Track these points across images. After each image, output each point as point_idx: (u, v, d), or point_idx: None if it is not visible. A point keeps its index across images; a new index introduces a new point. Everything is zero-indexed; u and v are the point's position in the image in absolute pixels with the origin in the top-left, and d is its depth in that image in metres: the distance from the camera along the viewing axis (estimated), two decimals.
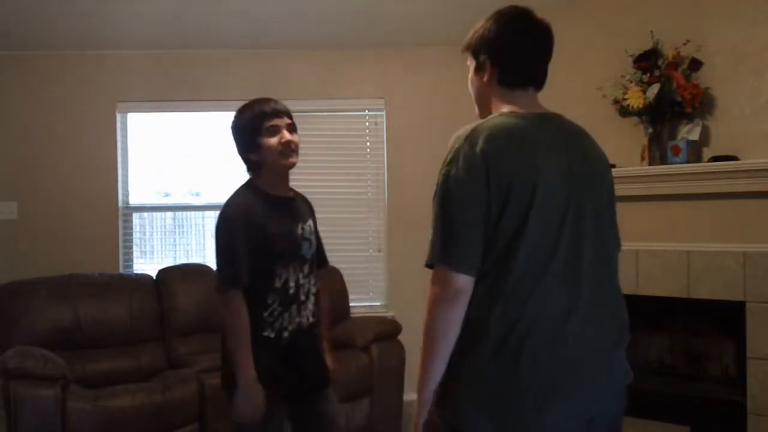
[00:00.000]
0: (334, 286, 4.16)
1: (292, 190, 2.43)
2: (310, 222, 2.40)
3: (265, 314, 2.22)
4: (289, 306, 2.26)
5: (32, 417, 3.20)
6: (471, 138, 1.55)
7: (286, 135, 2.27)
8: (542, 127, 1.62)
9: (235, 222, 2.23)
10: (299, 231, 2.32)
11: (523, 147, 1.56)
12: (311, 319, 2.33)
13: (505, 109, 1.65)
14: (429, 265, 1.58)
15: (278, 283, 2.24)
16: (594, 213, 1.61)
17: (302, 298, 2.30)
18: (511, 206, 1.52)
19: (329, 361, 2.49)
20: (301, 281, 2.30)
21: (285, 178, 2.36)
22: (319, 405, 2.41)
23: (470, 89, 1.77)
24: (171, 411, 3.49)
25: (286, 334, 2.25)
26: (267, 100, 2.34)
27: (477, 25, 1.74)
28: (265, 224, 2.22)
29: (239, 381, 2.17)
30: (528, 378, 1.51)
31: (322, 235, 2.55)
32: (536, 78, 1.69)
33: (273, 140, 2.26)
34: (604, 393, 1.65)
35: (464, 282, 1.53)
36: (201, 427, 3.59)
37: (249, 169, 2.37)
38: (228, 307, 2.19)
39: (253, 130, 2.27)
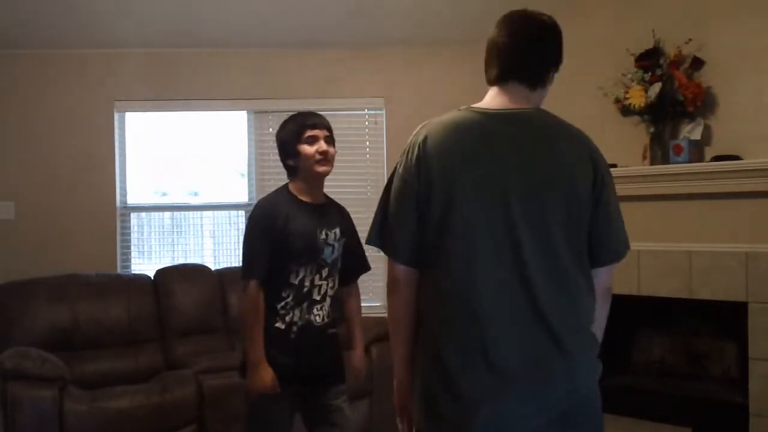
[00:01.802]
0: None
1: (327, 198, 2.61)
2: (337, 230, 2.55)
3: (278, 306, 2.42)
4: (301, 302, 2.44)
5: (30, 418, 3.18)
6: (419, 133, 1.66)
7: (323, 145, 2.48)
8: (500, 123, 1.60)
9: (258, 220, 2.46)
10: (322, 236, 2.48)
11: (456, 146, 1.59)
12: (326, 320, 2.50)
13: (483, 101, 1.69)
14: (368, 242, 1.74)
15: (294, 280, 2.43)
16: (550, 221, 1.55)
17: (316, 297, 2.47)
18: (433, 204, 1.58)
19: (358, 360, 2.72)
20: (317, 282, 2.47)
21: (318, 185, 2.55)
22: (328, 399, 2.53)
23: None
24: (169, 412, 3.47)
25: (295, 328, 2.42)
26: (311, 114, 2.55)
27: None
28: (285, 223, 2.42)
29: (250, 364, 2.38)
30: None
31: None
32: (518, 73, 1.66)
33: (311, 149, 2.46)
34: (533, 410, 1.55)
35: (400, 271, 1.65)
36: (199, 427, 3.57)
37: (288, 174, 2.57)
38: (243, 295, 2.43)
39: (294, 138, 2.48)
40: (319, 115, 2.56)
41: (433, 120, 1.66)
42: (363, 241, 1.82)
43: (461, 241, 1.55)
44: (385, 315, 5.18)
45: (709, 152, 3.74)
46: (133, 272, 4.62)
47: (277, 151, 2.57)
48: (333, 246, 2.51)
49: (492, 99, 1.68)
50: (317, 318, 2.47)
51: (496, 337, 1.52)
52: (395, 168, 1.67)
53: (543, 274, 1.53)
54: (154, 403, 3.44)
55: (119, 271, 4.57)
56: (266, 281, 2.42)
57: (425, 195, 1.59)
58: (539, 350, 1.53)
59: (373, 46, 4.75)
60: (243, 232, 2.53)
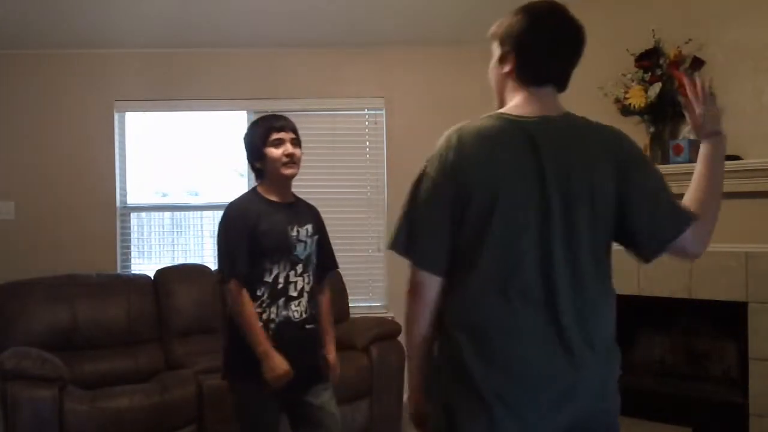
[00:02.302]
0: (334, 287, 4.14)
1: (295, 197, 2.65)
2: (308, 226, 2.58)
3: (255, 304, 2.45)
4: (277, 299, 2.47)
5: (29, 418, 3.18)
6: (450, 139, 1.58)
7: (290, 148, 2.52)
8: (532, 133, 1.56)
9: (232, 219, 2.50)
10: (293, 232, 2.52)
11: (496, 155, 1.53)
12: (303, 316, 2.52)
13: (511, 103, 1.63)
14: (390, 248, 1.64)
15: (268, 278, 2.47)
16: (586, 225, 1.54)
17: (292, 293, 2.50)
18: (471, 216, 1.53)
19: (331, 359, 2.68)
20: (292, 279, 2.51)
21: (285, 186, 2.59)
22: (311, 398, 2.55)
23: (489, 77, 1.73)
24: (169, 412, 3.47)
25: (273, 325, 2.46)
26: (277, 117, 2.61)
27: (508, 14, 1.68)
28: (256, 223, 2.46)
29: (260, 356, 2.39)
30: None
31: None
32: (556, 77, 1.63)
33: (277, 151, 2.51)
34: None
35: (424, 278, 1.60)
36: (199, 428, 3.57)
37: (255, 177, 2.63)
38: (231, 295, 2.46)
39: (261, 141, 2.52)
40: (285, 118, 2.60)
41: (468, 126, 1.59)
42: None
43: (501, 251, 1.52)
44: (385, 315, 5.17)
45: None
46: (133, 272, 4.62)
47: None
48: (305, 242, 2.55)
49: (525, 104, 1.61)
50: (295, 314, 2.50)
51: (526, 349, 1.51)
52: (423, 172, 1.60)
53: (569, 287, 1.53)
54: (154, 403, 3.44)
55: (119, 271, 4.57)
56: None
57: (462, 202, 1.54)
58: (562, 364, 1.52)
59: (373, 46, 4.75)
60: (216, 235, 2.57)
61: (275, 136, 2.51)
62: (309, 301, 2.54)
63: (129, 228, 4.71)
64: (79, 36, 4.40)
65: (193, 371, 3.75)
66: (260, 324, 2.43)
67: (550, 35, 1.60)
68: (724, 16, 3.72)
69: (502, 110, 1.63)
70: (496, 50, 1.68)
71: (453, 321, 1.58)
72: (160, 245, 4.83)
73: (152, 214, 4.81)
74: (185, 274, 4.27)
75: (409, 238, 1.60)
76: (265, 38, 4.59)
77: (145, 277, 4.25)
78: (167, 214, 4.83)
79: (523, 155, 1.54)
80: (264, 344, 2.40)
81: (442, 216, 1.56)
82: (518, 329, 1.51)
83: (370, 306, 4.78)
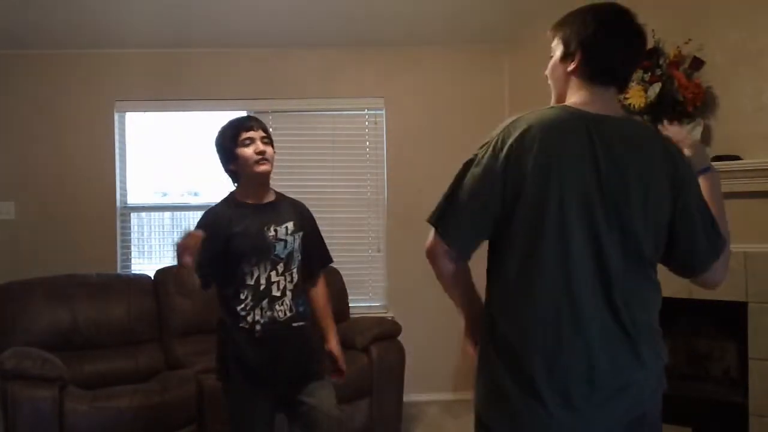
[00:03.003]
0: (334, 287, 4.15)
1: (277, 195, 2.66)
2: (288, 224, 2.57)
3: (239, 308, 2.47)
4: (261, 301, 2.48)
5: (30, 418, 3.18)
6: (509, 128, 1.58)
7: (260, 146, 2.52)
8: (593, 128, 1.57)
9: (201, 227, 2.45)
10: (270, 232, 2.52)
11: (556, 146, 1.54)
12: (288, 314, 2.52)
13: (574, 99, 1.65)
14: (429, 220, 1.64)
15: (250, 280, 2.47)
16: (637, 229, 1.57)
17: (276, 293, 2.50)
18: (522, 203, 1.53)
19: (334, 350, 2.70)
20: (274, 278, 2.51)
21: (262, 185, 2.59)
22: (305, 396, 2.54)
23: (549, 72, 1.74)
24: (169, 412, 3.48)
25: (258, 326, 2.46)
26: (246, 117, 2.66)
27: (573, 11, 1.70)
28: (230, 227, 2.48)
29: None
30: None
31: (323, 235, 2.78)
32: (621, 79, 1.67)
33: (248, 150, 2.52)
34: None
35: (438, 247, 1.62)
36: (199, 428, 3.57)
37: (232, 181, 2.63)
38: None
39: (232, 142, 2.53)
40: (254, 118, 2.63)
41: (528, 116, 1.59)
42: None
43: (555, 245, 1.53)
44: (385, 315, 5.16)
45: (709, 152, 3.73)
46: (133, 272, 4.62)
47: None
48: (285, 240, 2.54)
49: (589, 102, 1.63)
50: (280, 313, 2.49)
51: (588, 341, 1.53)
52: (475, 156, 1.60)
53: (622, 281, 1.56)
54: (154, 403, 3.44)
55: (119, 271, 4.58)
56: (224, 286, 2.51)
57: (514, 191, 1.54)
58: (622, 359, 1.57)
59: (373, 46, 4.75)
60: None
61: (245, 135, 2.51)
62: (294, 299, 2.53)
63: (129, 228, 4.71)
64: (79, 36, 4.40)
65: (193, 371, 3.76)
66: (245, 325, 2.46)
67: (620, 38, 1.64)
68: (724, 17, 3.72)
69: (565, 103, 1.65)
70: (559, 47, 1.70)
71: (508, 314, 1.59)
72: (160, 245, 4.83)
73: (152, 214, 4.82)
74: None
75: (444, 217, 1.61)
76: (265, 38, 4.59)
77: (145, 277, 4.26)
78: (167, 214, 4.83)
79: (582, 146, 1.56)
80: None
81: (484, 202, 1.57)
82: (582, 319, 1.53)
83: (370, 306, 4.78)
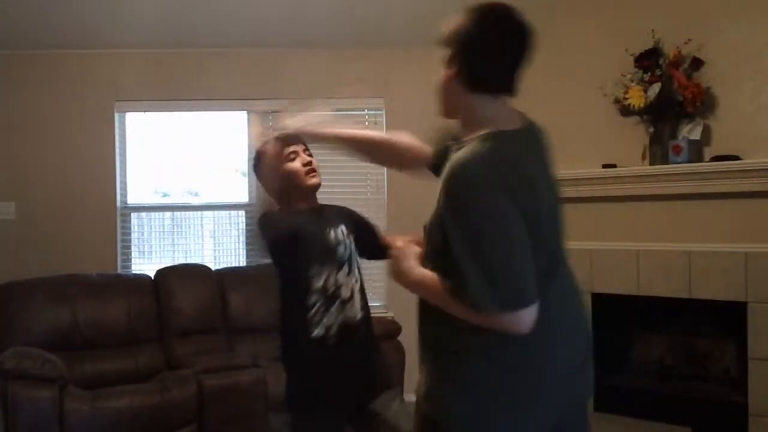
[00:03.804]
0: None
1: (320, 204, 2.64)
2: (342, 227, 2.55)
3: (309, 315, 2.37)
4: (331, 304, 2.40)
5: (30, 418, 3.18)
6: (495, 165, 1.48)
7: (306, 157, 2.52)
8: (527, 143, 1.59)
9: (271, 227, 2.42)
10: (331, 234, 2.48)
11: (524, 172, 1.52)
12: (358, 317, 2.47)
13: (486, 120, 1.57)
14: (481, 310, 1.48)
15: (318, 284, 2.39)
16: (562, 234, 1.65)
17: (345, 296, 2.45)
18: (535, 234, 1.52)
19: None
20: (341, 281, 2.45)
21: (312, 197, 2.57)
22: (374, 408, 2.45)
23: (438, 85, 1.67)
24: (169, 412, 3.47)
25: (333, 330, 2.38)
26: (283, 136, 2.59)
27: (456, 17, 1.64)
28: (291, 226, 2.40)
29: None
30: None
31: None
32: (515, 85, 1.58)
33: (295, 164, 2.49)
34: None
35: (530, 314, 1.49)
36: (199, 428, 3.57)
37: (279, 202, 2.53)
38: None
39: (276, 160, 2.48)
40: (292, 134, 2.60)
41: (490, 157, 1.48)
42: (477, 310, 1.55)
43: (548, 255, 1.57)
44: (385, 315, 5.14)
45: (709, 152, 3.74)
46: (133, 272, 4.62)
47: None
48: (344, 243, 2.52)
49: (506, 116, 1.58)
50: (352, 315, 2.44)
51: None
52: (479, 212, 1.47)
53: (570, 286, 1.68)
54: (154, 403, 3.44)
55: (119, 271, 4.57)
56: (291, 293, 2.42)
57: (524, 222, 1.48)
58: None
59: (373, 46, 4.75)
60: (254, 238, 2.52)
61: (288, 150, 2.50)
62: (362, 300, 2.51)
63: (129, 228, 4.71)
64: (79, 36, 4.40)
65: (193, 371, 3.75)
66: (319, 333, 2.35)
67: (520, 40, 1.56)
68: (724, 17, 3.72)
69: (495, 129, 1.54)
70: (447, 57, 1.66)
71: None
72: (160, 245, 4.83)
73: (152, 214, 4.82)
74: (185, 274, 4.28)
75: (518, 289, 1.46)
76: (265, 38, 4.59)
77: (146, 277, 4.26)
78: (167, 214, 4.83)
79: (538, 168, 1.58)
80: None
81: (526, 247, 1.47)
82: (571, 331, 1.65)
83: (370, 306, 4.76)
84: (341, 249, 2.50)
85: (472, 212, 1.46)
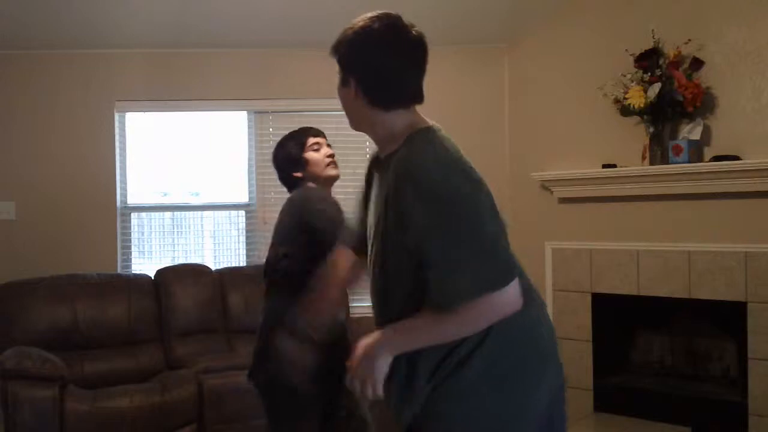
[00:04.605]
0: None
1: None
2: None
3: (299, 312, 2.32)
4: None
5: (30, 418, 3.19)
6: (459, 159, 1.55)
7: (329, 150, 2.58)
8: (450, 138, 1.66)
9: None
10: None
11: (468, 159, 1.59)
12: (342, 315, 2.51)
13: (404, 128, 1.63)
14: (473, 295, 1.48)
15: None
16: None
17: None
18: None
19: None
20: None
21: (329, 189, 2.58)
22: (343, 400, 2.47)
23: (343, 104, 1.70)
24: (169, 412, 3.48)
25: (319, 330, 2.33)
26: (308, 127, 2.67)
27: (347, 29, 1.67)
28: (312, 219, 2.40)
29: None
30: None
31: None
32: (420, 91, 1.63)
33: (318, 155, 2.55)
34: None
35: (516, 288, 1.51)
36: (199, 428, 3.57)
37: (289, 191, 2.55)
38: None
39: (299, 149, 2.55)
40: (315, 128, 2.70)
41: (442, 147, 1.56)
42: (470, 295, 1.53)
43: None
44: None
45: (709, 152, 3.74)
46: (133, 272, 4.62)
47: None
48: None
49: (420, 119, 1.66)
50: (339, 316, 2.46)
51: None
52: (462, 200, 1.49)
53: None
54: (154, 403, 3.44)
55: (119, 271, 4.57)
56: (303, 278, 2.34)
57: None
58: None
59: None
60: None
61: (312, 140, 2.57)
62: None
63: (129, 228, 4.71)
64: (79, 36, 4.40)
65: (193, 371, 3.76)
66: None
67: (422, 50, 1.62)
68: (724, 16, 3.72)
69: (420, 126, 1.61)
70: (340, 72, 1.69)
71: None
72: (160, 245, 4.83)
73: (152, 214, 4.82)
74: (186, 274, 4.28)
75: (508, 263, 1.50)
76: (265, 38, 4.59)
77: (146, 277, 4.26)
78: (167, 214, 4.83)
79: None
80: None
81: (500, 218, 1.54)
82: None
83: (370, 306, 4.77)
84: None
85: (450, 200, 1.47)
